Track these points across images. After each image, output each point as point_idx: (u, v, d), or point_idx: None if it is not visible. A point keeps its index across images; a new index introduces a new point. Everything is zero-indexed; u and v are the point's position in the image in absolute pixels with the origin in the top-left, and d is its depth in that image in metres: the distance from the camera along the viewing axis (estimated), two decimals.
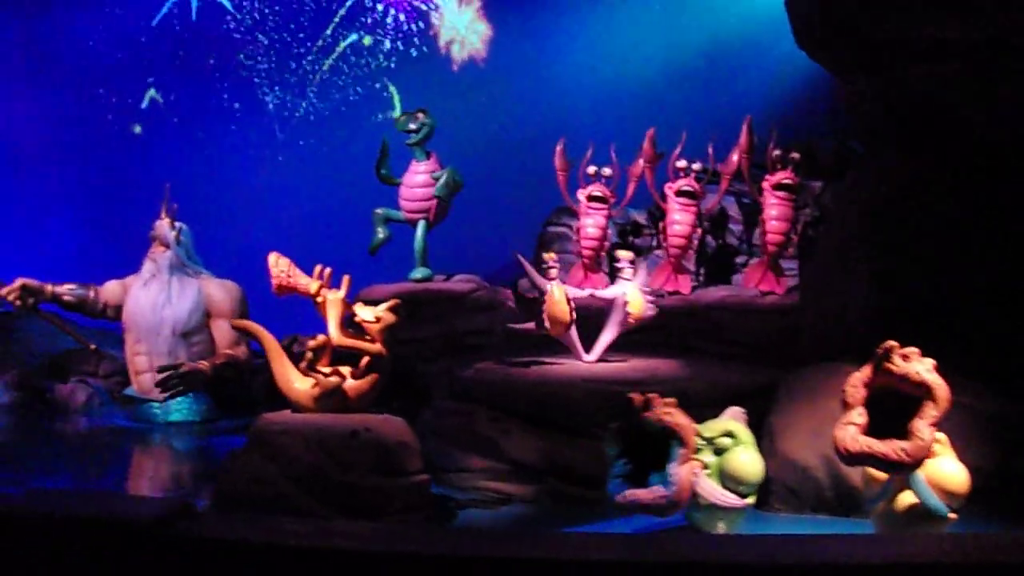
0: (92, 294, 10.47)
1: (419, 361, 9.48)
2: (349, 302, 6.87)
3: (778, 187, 9.74)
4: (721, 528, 5.82)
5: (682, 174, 10.16)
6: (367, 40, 15.91)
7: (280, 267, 6.77)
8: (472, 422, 7.52)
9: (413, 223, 10.44)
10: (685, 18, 13.94)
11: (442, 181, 10.23)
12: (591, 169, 10.35)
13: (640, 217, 11.13)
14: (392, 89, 15.75)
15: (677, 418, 5.73)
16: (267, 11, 16.25)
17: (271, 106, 16.18)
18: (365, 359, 6.67)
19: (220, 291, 10.28)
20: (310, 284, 6.76)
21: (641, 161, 10.41)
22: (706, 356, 8.72)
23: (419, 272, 10.19)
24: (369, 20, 15.89)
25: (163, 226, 10.39)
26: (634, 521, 5.95)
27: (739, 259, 10.64)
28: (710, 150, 10.31)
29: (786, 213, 9.75)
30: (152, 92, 16.68)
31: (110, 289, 10.54)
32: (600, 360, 8.25)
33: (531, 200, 12.36)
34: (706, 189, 10.27)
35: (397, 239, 10.75)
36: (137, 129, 16.73)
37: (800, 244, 9.87)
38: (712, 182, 10.33)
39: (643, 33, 14.06)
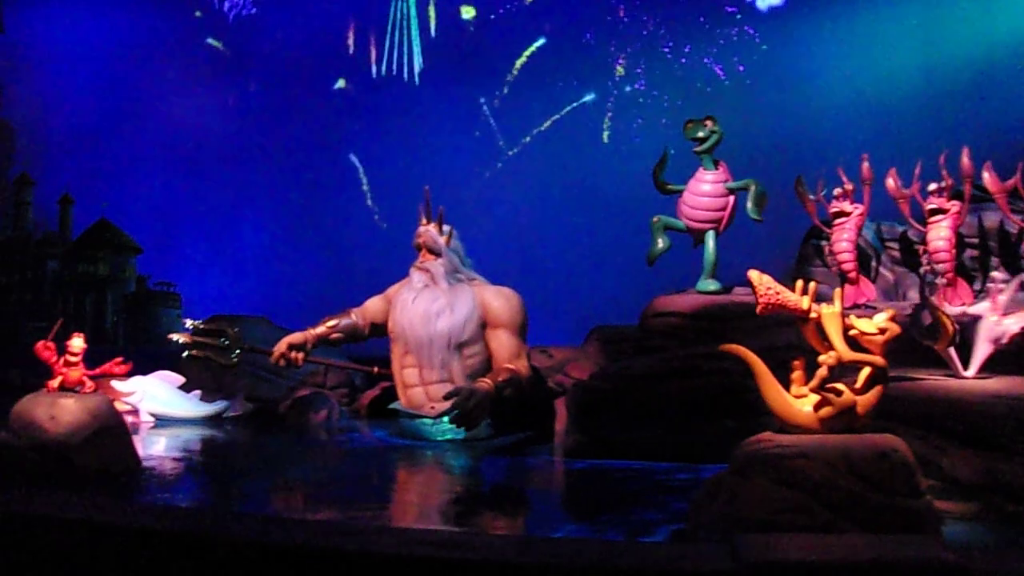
0: (357, 320, 10.05)
1: (747, 376, 8.98)
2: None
3: None
4: None
5: (933, 195, 9.90)
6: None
7: (766, 285, 6.19)
8: None
9: (695, 233, 9.90)
10: (945, 31, 13.57)
11: (751, 202, 9.68)
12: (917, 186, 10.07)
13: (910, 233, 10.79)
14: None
15: None
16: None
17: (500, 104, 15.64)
18: (866, 372, 5.91)
19: (498, 299, 9.61)
20: (800, 301, 6.22)
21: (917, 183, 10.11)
22: None
23: (710, 284, 9.69)
24: None
25: (431, 232, 9.83)
26: None
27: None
28: (941, 160, 10.00)
29: None
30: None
31: (373, 307, 10.13)
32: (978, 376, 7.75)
33: (786, 213, 12.05)
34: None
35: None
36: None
37: None
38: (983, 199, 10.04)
39: (901, 47, 13.97)
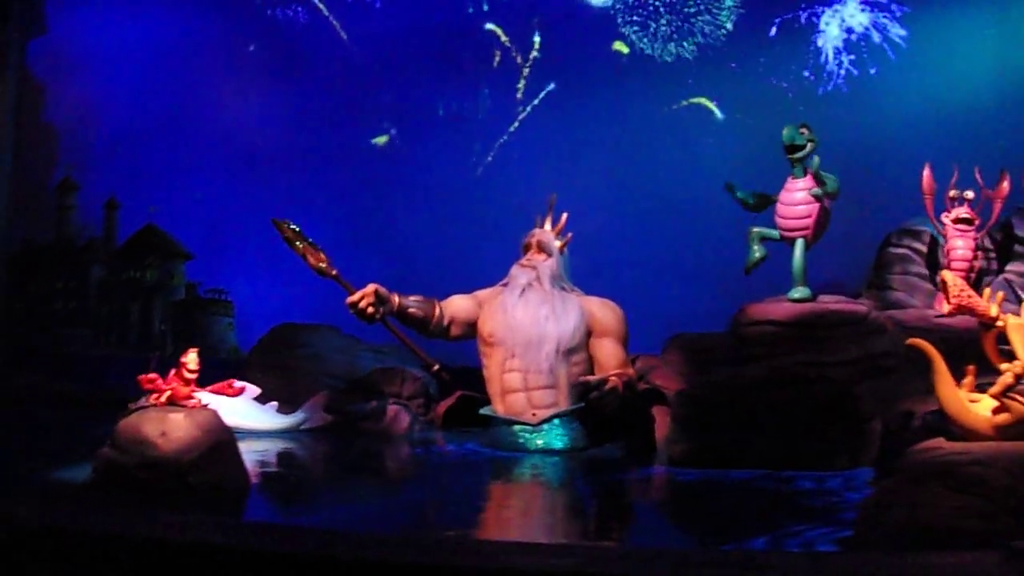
0: (437, 310, 9.80)
1: (852, 384, 8.85)
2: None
3: None
4: None
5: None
6: None
7: (959, 287, 6.42)
8: None
9: (789, 241, 9.87)
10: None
11: (827, 187, 9.75)
12: (953, 192, 11.00)
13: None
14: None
15: None
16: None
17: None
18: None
19: (603, 309, 9.68)
20: (989, 308, 6.33)
21: (1005, 184, 10.94)
22: None
23: (799, 292, 9.61)
24: None
25: (547, 234, 9.92)
26: None
27: None
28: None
29: None
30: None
31: (459, 304, 9.92)
32: None
33: (859, 219, 12.16)
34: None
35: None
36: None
37: None
38: None
39: (975, 56, 14.26)
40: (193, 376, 6.86)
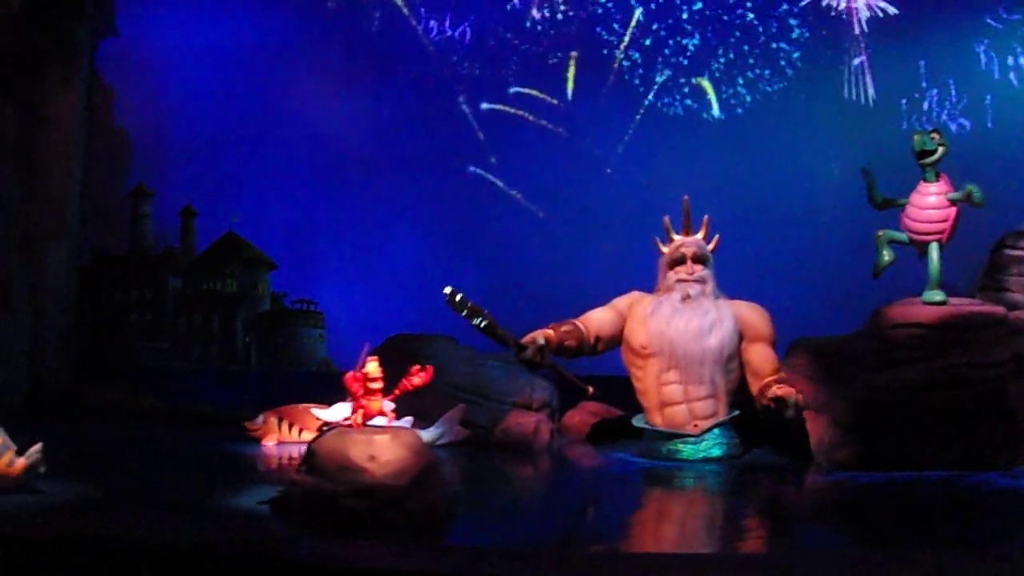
0: (584, 331, 9.26)
1: (1010, 383, 8.50)
2: None
3: None
4: None
5: None
6: None
7: None
8: None
9: (919, 245, 9.43)
10: None
11: (976, 198, 9.19)
12: None
13: None
14: None
15: None
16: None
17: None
18: None
19: (753, 313, 9.31)
20: None
21: None
22: None
23: (936, 295, 9.18)
24: None
25: (700, 243, 9.36)
26: None
27: None
28: None
29: None
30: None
31: (601, 319, 9.43)
32: None
33: (968, 220, 11.79)
34: None
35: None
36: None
37: None
38: None
39: None
40: (378, 387, 6.11)
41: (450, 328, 10.77)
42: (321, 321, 16.20)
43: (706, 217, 9.51)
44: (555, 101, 15.55)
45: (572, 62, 15.66)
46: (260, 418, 9.49)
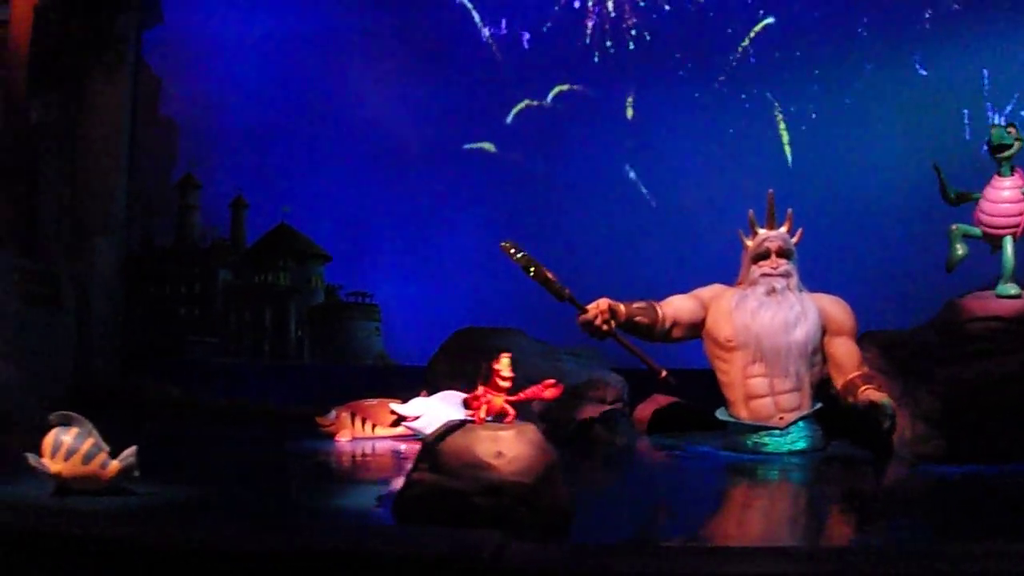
0: (660, 313, 9.41)
1: None
2: None
3: None
4: None
5: None
6: None
7: None
8: None
9: (992, 239, 9.61)
10: None
11: None
12: None
13: None
14: None
15: None
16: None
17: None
18: None
19: (836, 306, 9.54)
20: None
21: None
22: None
23: (1011, 288, 9.33)
24: None
25: (784, 236, 9.60)
26: None
27: None
28: None
29: None
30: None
31: (681, 305, 9.59)
32: None
33: None
34: None
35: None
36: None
37: None
38: None
39: None
40: (507, 385, 5.78)
41: (510, 320, 10.64)
42: (377, 314, 15.78)
43: (790, 211, 9.63)
44: (613, 95, 15.22)
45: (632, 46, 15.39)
46: (332, 413, 9.44)
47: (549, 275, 8.59)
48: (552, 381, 6.18)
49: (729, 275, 9.86)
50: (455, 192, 14.86)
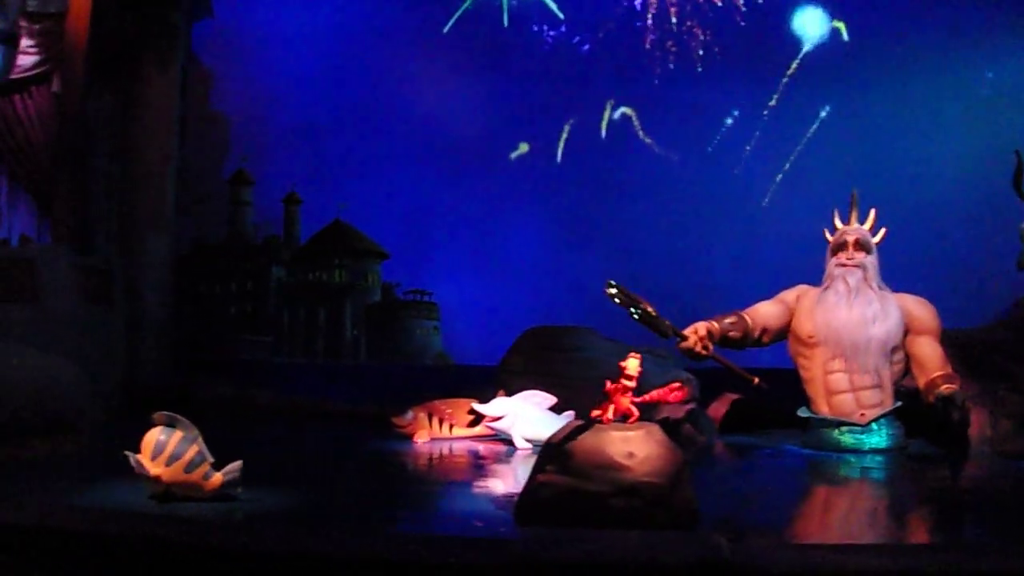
0: (749, 323, 9.69)
1: None
2: None
3: None
4: None
5: None
6: None
7: None
8: None
9: None
10: None
11: None
12: None
13: None
14: None
15: None
16: None
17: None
18: None
19: (920, 307, 9.65)
20: None
21: None
22: None
23: None
24: None
25: (864, 231, 9.75)
26: None
27: None
28: None
29: None
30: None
31: (768, 312, 9.86)
32: None
33: None
34: None
35: None
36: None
37: None
38: None
39: None
40: (632, 385, 5.74)
41: (570, 320, 10.65)
42: (436, 313, 15.49)
43: (874, 210, 9.79)
44: (689, 86, 14.90)
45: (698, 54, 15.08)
46: (409, 414, 9.31)
47: (652, 311, 8.57)
48: (678, 384, 6.26)
49: (791, 275, 10.08)
50: (515, 191, 14.57)
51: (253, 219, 16.11)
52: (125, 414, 10.73)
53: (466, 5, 14.63)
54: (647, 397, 5.92)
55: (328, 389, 12.52)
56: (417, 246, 15.58)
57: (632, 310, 8.44)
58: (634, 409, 5.74)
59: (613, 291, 8.23)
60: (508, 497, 6.33)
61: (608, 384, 5.80)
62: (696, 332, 9.19)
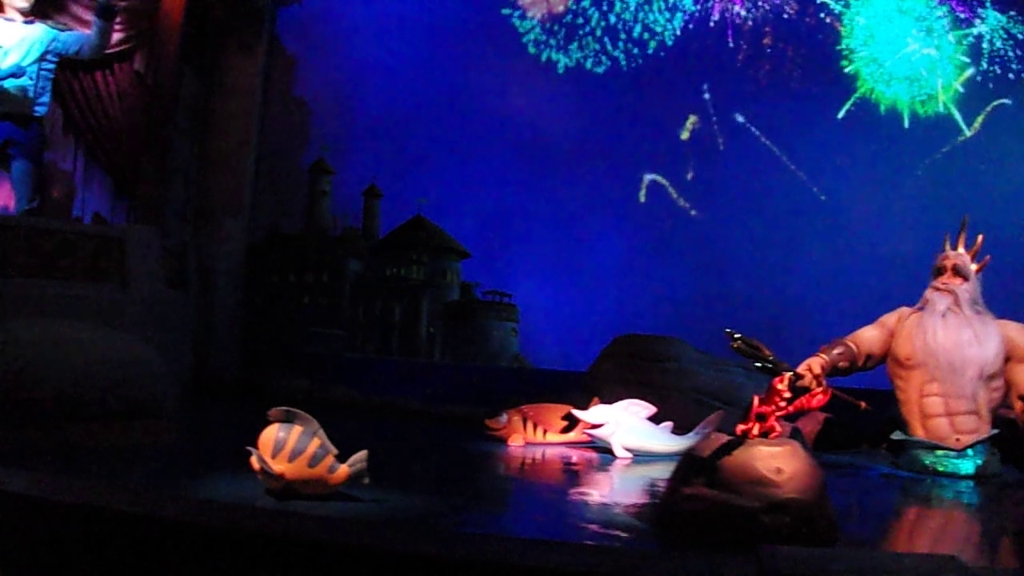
0: (854, 350, 9.54)
1: None
2: None
3: None
4: None
5: None
6: None
7: None
8: None
9: None
10: None
11: None
12: None
13: None
14: None
15: None
16: None
17: None
18: None
19: (1023, 335, 9.33)
20: None
21: None
22: None
23: None
24: None
25: (963, 256, 9.58)
26: None
27: None
28: None
29: None
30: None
31: (871, 337, 9.69)
32: None
33: None
34: None
35: None
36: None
37: None
38: None
39: None
40: (785, 405, 5.70)
41: (653, 329, 9.87)
42: (515, 314, 15.13)
43: (980, 237, 9.54)
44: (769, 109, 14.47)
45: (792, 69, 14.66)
46: (503, 416, 9.16)
47: (771, 357, 8.25)
48: (819, 390, 6.23)
49: (881, 294, 10.03)
50: (601, 194, 14.15)
51: (331, 210, 15.82)
52: (195, 402, 10.45)
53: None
54: (790, 409, 5.83)
55: (401, 386, 12.19)
56: (498, 246, 15.25)
57: (757, 364, 8.26)
58: (777, 425, 5.69)
59: (738, 344, 8.02)
60: (635, 507, 6.28)
61: (756, 401, 5.76)
62: (811, 370, 9.13)
